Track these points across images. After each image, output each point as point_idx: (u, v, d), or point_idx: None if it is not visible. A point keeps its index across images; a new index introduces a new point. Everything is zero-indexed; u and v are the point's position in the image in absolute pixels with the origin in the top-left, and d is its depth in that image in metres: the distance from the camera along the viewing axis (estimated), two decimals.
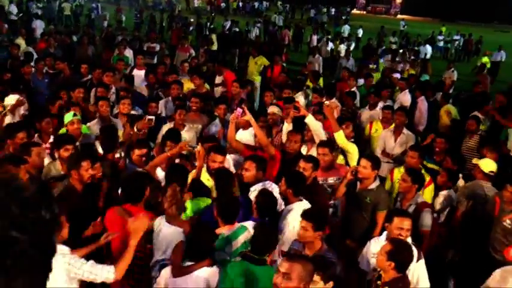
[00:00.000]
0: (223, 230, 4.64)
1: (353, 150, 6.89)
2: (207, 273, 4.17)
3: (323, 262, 3.92)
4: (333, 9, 47.88)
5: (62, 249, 3.61)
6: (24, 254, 0.86)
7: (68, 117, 6.76)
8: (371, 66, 14.72)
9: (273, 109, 7.92)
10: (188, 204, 5.03)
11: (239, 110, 6.51)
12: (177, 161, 6.17)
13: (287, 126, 7.13)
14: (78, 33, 18.15)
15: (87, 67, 10.85)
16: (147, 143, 6.68)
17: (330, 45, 21.17)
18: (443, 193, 6.52)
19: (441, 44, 30.14)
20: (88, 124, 7.36)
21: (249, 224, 4.79)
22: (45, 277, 0.94)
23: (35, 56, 12.07)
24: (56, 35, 16.29)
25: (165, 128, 7.39)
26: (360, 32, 30.06)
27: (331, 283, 3.71)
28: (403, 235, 4.60)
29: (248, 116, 6.54)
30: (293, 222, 4.95)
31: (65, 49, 14.60)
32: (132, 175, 5.13)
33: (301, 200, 5.25)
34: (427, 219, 5.67)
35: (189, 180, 5.41)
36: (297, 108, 6.93)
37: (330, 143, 6.52)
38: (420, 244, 5.36)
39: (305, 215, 4.49)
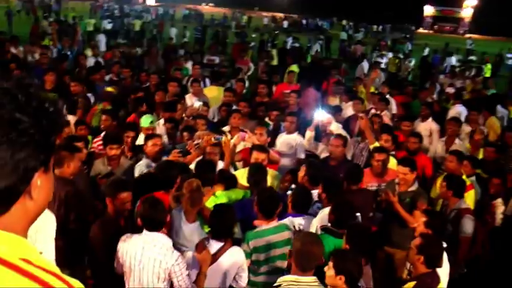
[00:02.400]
0: (262, 224, 4.74)
1: (391, 163, 6.78)
2: (232, 255, 4.31)
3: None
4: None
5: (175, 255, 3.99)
6: (26, 132, 1.08)
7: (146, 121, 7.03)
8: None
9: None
10: (220, 196, 5.19)
11: (242, 134, 6.85)
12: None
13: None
14: (143, 47, 18.96)
15: (146, 75, 11.44)
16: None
17: (384, 60, 21.29)
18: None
19: (510, 62, 29.25)
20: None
21: (288, 221, 4.93)
22: (47, 156, 1.17)
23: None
24: (122, 47, 17.19)
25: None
26: (426, 51, 29.65)
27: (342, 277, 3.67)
28: None
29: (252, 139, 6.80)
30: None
31: (129, 60, 15.34)
32: (164, 163, 5.37)
33: None
34: (466, 225, 5.63)
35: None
36: None
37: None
38: (457, 250, 5.36)
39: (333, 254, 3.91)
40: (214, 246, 4.29)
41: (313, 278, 3.63)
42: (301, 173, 5.87)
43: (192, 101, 9.02)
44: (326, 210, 4.97)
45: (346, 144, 7.03)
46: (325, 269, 3.71)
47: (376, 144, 6.93)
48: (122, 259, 4.13)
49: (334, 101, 11.05)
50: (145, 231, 4.08)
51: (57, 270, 1.15)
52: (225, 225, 4.35)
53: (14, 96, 1.09)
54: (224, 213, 4.39)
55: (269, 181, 6.03)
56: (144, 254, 4.00)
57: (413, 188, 5.90)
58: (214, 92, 10.47)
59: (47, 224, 4.22)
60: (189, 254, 4.38)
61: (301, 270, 3.63)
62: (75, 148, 5.20)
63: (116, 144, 6.00)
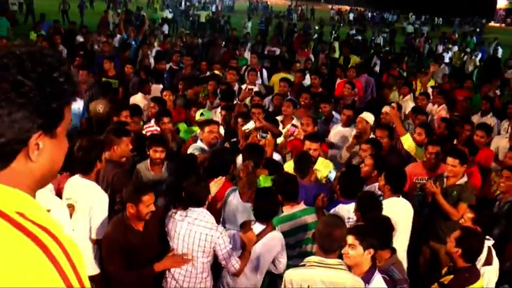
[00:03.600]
0: (284, 208, 4.89)
1: (421, 156, 6.64)
2: (273, 239, 4.42)
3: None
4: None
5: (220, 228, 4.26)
6: (26, 95, 1.17)
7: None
8: None
9: (385, 109, 8.04)
10: (262, 180, 5.33)
11: (292, 128, 6.89)
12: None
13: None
14: (205, 37, 19.31)
15: (206, 64, 11.71)
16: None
17: (449, 54, 20.84)
18: None
19: None
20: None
21: (339, 208, 5.02)
22: (49, 121, 1.23)
23: None
24: (185, 37, 17.62)
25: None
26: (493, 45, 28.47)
27: (371, 250, 3.78)
28: None
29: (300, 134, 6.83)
30: None
31: (190, 49, 15.71)
32: (219, 150, 5.56)
33: (398, 197, 5.24)
34: None
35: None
36: None
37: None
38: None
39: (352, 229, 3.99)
40: (258, 228, 4.42)
41: (338, 261, 3.68)
42: (367, 164, 5.88)
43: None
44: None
45: (392, 137, 6.97)
46: None
47: (407, 136, 6.78)
48: (169, 234, 4.35)
49: (391, 94, 10.92)
50: (190, 208, 4.27)
51: (51, 226, 1.20)
52: (269, 208, 4.48)
53: (21, 61, 1.19)
54: (268, 197, 4.53)
55: (321, 169, 6.11)
56: (191, 229, 4.20)
57: (462, 181, 5.78)
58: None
59: (101, 202, 4.51)
60: (232, 232, 4.57)
61: (324, 252, 3.69)
62: (122, 132, 5.38)
63: (161, 146, 5.69)
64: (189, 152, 6.16)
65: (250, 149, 5.71)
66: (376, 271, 3.82)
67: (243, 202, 4.82)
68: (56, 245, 1.16)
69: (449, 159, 5.80)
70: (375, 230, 3.95)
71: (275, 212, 4.58)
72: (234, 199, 4.89)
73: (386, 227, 4.28)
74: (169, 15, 29.67)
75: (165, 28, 21.18)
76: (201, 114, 7.28)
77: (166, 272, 4.36)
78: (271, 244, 4.41)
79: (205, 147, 6.21)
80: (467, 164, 5.89)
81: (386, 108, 7.99)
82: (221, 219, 4.95)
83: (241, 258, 4.26)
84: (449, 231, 5.20)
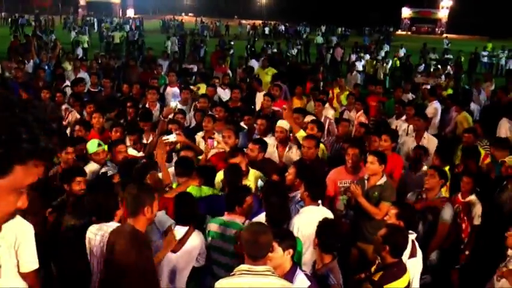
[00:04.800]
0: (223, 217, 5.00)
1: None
2: (197, 237, 4.73)
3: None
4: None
5: None
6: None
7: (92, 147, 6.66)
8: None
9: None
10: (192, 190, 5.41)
11: (210, 141, 7.03)
12: None
13: (301, 134, 7.23)
14: (121, 58, 19.02)
15: (128, 86, 11.56)
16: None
17: (362, 62, 22.02)
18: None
19: (485, 59, 29.73)
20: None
21: (261, 216, 5.08)
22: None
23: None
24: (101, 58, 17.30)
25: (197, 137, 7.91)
26: (402, 52, 29.98)
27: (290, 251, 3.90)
28: None
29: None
30: (297, 224, 5.11)
31: (107, 71, 15.44)
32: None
33: (318, 205, 5.35)
34: (445, 213, 5.84)
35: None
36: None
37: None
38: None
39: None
40: (180, 231, 4.70)
41: (266, 267, 3.70)
42: (290, 173, 5.97)
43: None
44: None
45: (318, 145, 7.12)
46: None
47: (301, 131, 7.16)
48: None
49: (307, 104, 11.19)
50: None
51: None
52: (188, 210, 4.79)
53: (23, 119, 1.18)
54: (186, 200, 4.87)
55: (253, 181, 6.17)
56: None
57: (382, 181, 6.00)
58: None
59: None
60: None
61: (252, 260, 3.70)
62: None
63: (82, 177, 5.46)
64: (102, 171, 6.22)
65: (180, 162, 5.88)
66: (298, 269, 3.92)
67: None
68: None
69: (369, 157, 6.04)
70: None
71: (195, 214, 4.86)
72: None
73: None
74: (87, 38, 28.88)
75: (79, 51, 20.62)
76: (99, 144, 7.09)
77: None
78: (196, 242, 4.72)
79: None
80: (384, 165, 6.10)
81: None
82: None
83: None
84: (374, 231, 5.43)
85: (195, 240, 4.74)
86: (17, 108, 1.20)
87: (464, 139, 8.16)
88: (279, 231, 4.03)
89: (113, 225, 4.31)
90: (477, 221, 6.20)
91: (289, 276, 3.83)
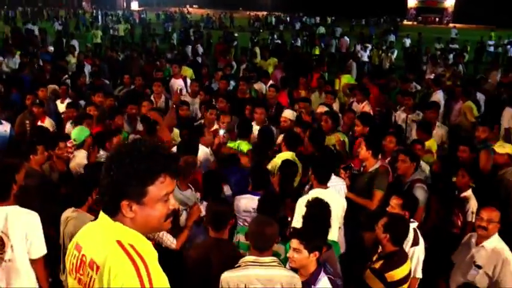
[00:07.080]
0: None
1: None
2: None
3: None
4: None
5: None
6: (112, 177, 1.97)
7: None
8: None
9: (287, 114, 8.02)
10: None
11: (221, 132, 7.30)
12: None
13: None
14: (126, 50, 18.99)
15: (129, 77, 11.56)
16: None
17: (367, 53, 22.00)
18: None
19: (491, 49, 29.55)
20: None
21: (247, 197, 5.39)
22: (131, 194, 1.98)
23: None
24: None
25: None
26: (407, 42, 29.81)
27: (316, 253, 3.85)
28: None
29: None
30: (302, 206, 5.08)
31: (111, 63, 15.50)
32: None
33: (325, 188, 5.37)
34: (418, 194, 5.69)
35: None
36: None
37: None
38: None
39: (295, 233, 3.99)
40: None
41: (272, 258, 3.76)
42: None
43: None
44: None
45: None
46: None
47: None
48: None
49: (312, 95, 11.18)
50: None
51: (144, 253, 1.99)
52: (214, 187, 5.30)
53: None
54: (212, 177, 5.41)
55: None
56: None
57: (373, 169, 6.07)
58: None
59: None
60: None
61: (258, 251, 3.76)
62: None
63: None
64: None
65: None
66: (322, 272, 3.88)
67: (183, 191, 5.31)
68: (142, 263, 1.92)
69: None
70: (315, 230, 4.01)
71: (220, 190, 5.46)
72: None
73: (324, 225, 4.38)
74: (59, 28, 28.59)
75: (75, 42, 20.42)
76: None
77: None
78: None
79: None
80: (377, 158, 6.18)
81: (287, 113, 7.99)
82: None
83: (178, 236, 4.73)
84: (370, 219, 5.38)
85: None
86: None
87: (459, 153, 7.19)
88: (306, 233, 3.91)
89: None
90: (471, 218, 5.87)
91: (312, 277, 3.83)
